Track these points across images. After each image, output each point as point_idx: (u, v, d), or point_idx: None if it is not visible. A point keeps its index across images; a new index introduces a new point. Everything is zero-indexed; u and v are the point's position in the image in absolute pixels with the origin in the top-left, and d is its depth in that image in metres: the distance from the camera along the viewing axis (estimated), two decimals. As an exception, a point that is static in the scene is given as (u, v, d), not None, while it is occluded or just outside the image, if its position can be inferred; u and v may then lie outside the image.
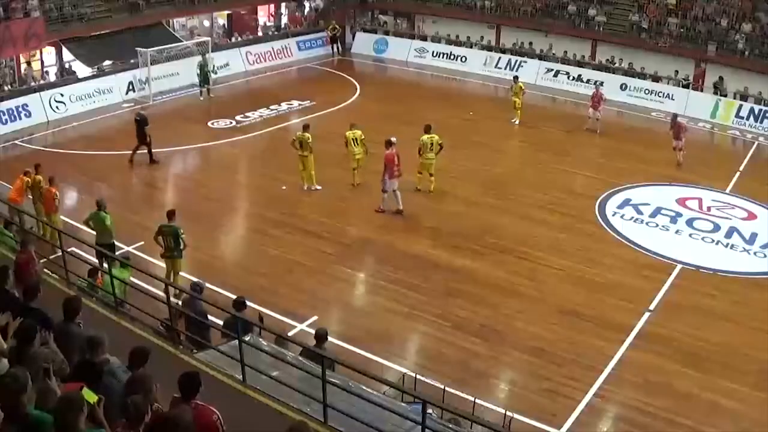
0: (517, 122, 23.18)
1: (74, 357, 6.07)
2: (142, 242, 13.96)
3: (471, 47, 30.81)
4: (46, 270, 9.98)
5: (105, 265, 11.58)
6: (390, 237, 15.40)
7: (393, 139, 16.18)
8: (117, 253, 12.89)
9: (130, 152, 18.73)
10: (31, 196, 14.38)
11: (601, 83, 24.87)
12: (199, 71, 24.93)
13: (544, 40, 29.26)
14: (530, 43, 29.45)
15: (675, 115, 20.83)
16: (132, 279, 10.77)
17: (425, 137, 17.04)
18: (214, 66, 26.71)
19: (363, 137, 17.40)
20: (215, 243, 15.15)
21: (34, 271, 8.93)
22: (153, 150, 18.80)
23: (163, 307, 8.62)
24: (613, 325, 12.41)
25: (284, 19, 34.29)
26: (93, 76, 24.55)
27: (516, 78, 24.07)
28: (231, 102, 24.68)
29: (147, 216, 15.25)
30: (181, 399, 5.24)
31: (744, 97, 25.08)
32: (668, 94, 26.07)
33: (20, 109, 21.71)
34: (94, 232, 13.07)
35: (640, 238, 15.70)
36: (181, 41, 26.97)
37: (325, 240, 15.11)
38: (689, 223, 16.53)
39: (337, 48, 32.31)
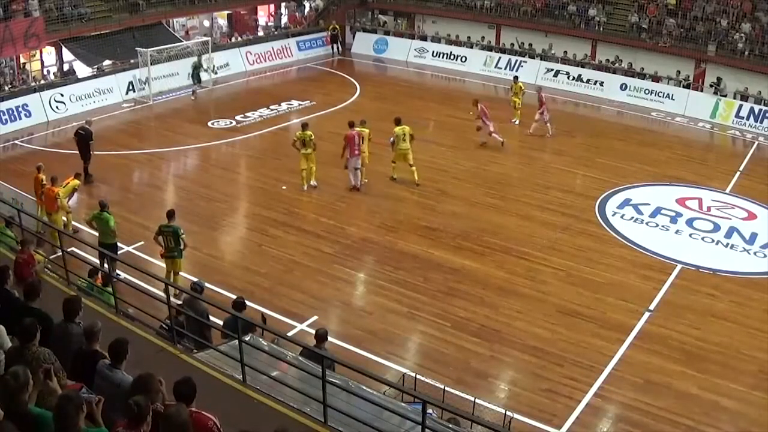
0: (517, 122, 23.17)
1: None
2: (142, 242, 14.00)
3: (471, 47, 30.81)
4: (47, 268, 9.99)
5: (106, 265, 11.63)
6: (390, 237, 15.41)
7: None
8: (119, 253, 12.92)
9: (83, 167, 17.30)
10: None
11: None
12: (191, 71, 25.00)
13: (544, 40, 29.28)
14: (530, 45, 29.46)
15: (539, 87, 22.72)
16: (132, 279, 10.76)
17: (397, 129, 17.40)
18: (214, 66, 26.75)
19: (371, 137, 17.45)
20: (215, 243, 15.14)
21: (33, 271, 8.93)
22: (89, 164, 17.44)
23: (163, 307, 8.62)
24: (613, 325, 12.41)
25: (284, 19, 34.31)
26: (93, 76, 24.55)
27: (516, 78, 24.06)
28: (231, 102, 24.67)
29: (147, 216, 15.27)
30: None
31: (744, 97, 25.08)
32: (668, 94, 26.06)
33: (20, 109, 21.68)
34: (97, 233, 13.07)
35: (640, 238, 15.69)
36: (181, 41, 26.99)
37: (325, 240, 15.11)
38: (689, 223, 16.53)
39: (337, 48, 32.31)
